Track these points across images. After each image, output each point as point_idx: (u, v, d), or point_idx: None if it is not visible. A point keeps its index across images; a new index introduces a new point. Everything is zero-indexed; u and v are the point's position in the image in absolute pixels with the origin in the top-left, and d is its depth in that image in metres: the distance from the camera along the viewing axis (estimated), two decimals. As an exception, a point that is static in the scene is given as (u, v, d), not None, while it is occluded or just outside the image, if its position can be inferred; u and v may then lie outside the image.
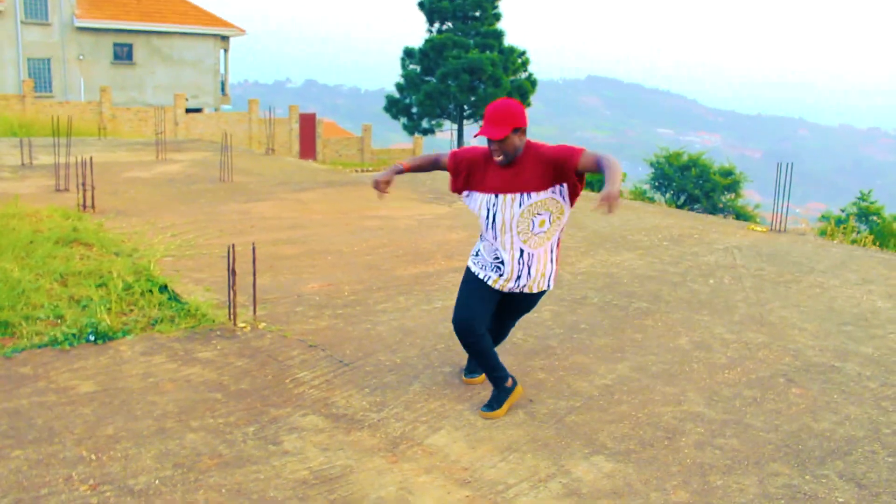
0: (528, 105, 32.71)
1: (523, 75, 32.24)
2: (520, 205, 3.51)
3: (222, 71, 34.30)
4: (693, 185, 29.09)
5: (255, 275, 4.79)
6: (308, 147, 34.98)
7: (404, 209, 9.20)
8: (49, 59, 28.99)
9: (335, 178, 12.22)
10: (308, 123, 35.08)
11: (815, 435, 3.59)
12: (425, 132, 32.59)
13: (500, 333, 3.97)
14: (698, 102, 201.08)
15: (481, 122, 3.52)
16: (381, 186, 3.68)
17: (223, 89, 35.26)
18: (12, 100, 26.73)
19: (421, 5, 31.54)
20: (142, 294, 5.30)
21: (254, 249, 4.75)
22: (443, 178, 10.86)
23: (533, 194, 3.50)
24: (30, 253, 6.00)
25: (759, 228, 8.85)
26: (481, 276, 3.66)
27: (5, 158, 12.80)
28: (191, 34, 32.06)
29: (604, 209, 3.29)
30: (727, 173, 27.07)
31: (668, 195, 30.69)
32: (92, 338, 4.42)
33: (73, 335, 4.38)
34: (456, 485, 3.02)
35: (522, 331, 4.82)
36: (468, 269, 3.75)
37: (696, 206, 29.78)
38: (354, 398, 3.81)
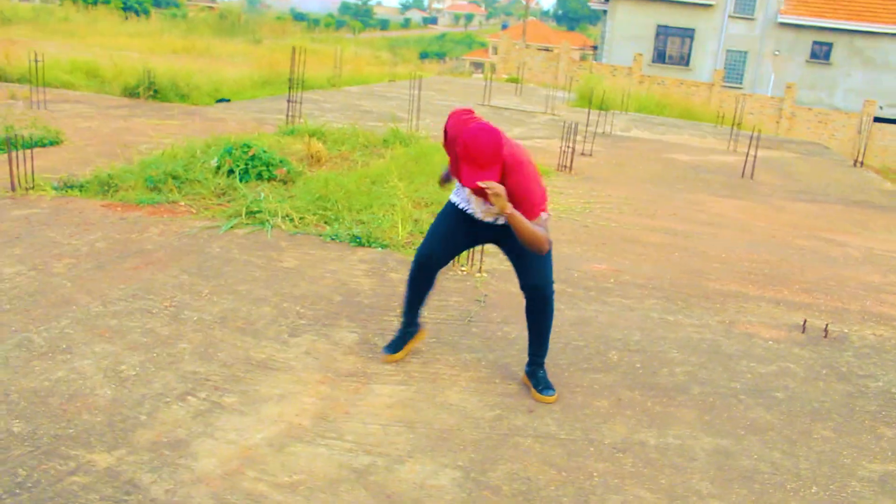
0: None
1: None
2: (484, 203, 3.38)
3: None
4: None
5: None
6: None
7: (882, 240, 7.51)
8: (746, 53, 30.23)
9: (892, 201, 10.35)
10: None
11: None
12: None
13: (525, 282, 3.44)
14: None
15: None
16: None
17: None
18: (702, 87, 29.01)
19: None
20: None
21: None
22: None
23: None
24: (427, 182, 7.32)
25: None
26: (462, 207, 3.47)
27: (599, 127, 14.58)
28: (905, 37, 29.12)
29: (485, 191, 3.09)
30: None
31: None
32: (355, 241, 5.47)
33: (336, 235, 5.50)
34: (312, 416, 3.14)
35: (699, 366, 4.00)
36: (448, 201, 3.56)
37: None
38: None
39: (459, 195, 3.49)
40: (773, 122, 28.48)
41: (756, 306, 5.16)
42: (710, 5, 29.95)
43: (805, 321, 4.86)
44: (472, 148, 2.99)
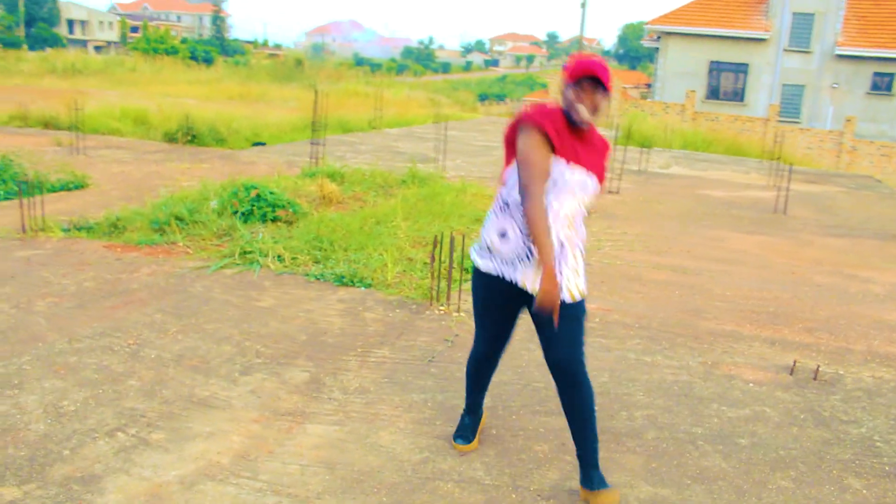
0: None
1: None
2: (592, 189, 2.88)
3: None
4: None
5: (450, 267, 5.05)
6: None
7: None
8: (803, 87, 29.47)
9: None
10: None
11: None
12: None
13: (549, 356, 2.90)
14: None
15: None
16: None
17: None
18: (757, 122, 28.37)
19: None
20: (457, 268, 6.06)
21: (452, 240, 5.01)
22: None
23: (600, 180, 2.93)
24: (432, 222, 7.33)
25: None
26: (506, 278, 2.86)
27: (650, 165, 14.42)
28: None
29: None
30: None
31: None
32: (339, 280, 5.49)
33: (321, 275, 5.52)
34: (233, 455, 3.12)
35: (664, 410, 3.84)
36: (479, 274, 2.97)
37: None
38: (356, 380, 3.94)
39: (503, 259, 2.88)
40: (833, 157, 27.62)
41: (747, 346, 4.94)
42: (763, 39, 29.42)
43: (795, 362, 4.63)
44: (591, 60, 2.76)
